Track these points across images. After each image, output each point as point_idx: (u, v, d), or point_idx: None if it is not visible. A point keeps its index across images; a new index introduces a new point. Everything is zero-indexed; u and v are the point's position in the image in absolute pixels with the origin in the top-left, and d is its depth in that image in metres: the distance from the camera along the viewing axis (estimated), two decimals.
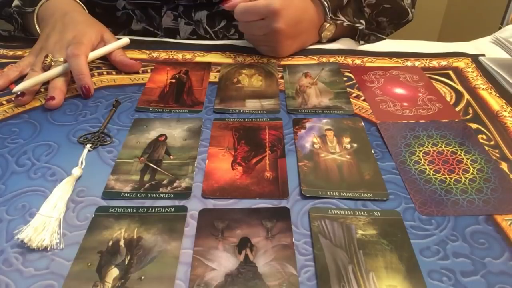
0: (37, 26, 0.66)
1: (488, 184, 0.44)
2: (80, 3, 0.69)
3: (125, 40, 0.66)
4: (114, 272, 0.35)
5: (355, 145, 0.49)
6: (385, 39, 0.73)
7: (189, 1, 0.75)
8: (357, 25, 0.70)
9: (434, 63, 0.67)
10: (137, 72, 0.64)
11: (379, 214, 0.40)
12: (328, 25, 0.69)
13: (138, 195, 0.43)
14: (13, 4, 0.67)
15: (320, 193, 0.43)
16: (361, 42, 0.73)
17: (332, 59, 0.68)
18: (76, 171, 0.45)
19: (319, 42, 0.72)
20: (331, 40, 0.73)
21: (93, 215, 0.40)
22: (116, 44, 0.65)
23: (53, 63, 0.58)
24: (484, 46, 0.73)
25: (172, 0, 0.75)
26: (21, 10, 0.67)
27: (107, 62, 0.65)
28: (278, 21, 0.61)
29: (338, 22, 0.69)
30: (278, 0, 0.60)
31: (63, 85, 0.57)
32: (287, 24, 0.62)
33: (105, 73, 0.64)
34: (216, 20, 0.77)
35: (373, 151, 0.48)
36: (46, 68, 0.58)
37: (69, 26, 0.62)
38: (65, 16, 0.63)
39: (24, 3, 0.67)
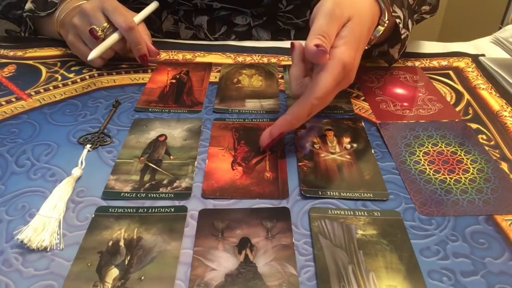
0: (58, 29, 0.67)
1: (488, 184, 0.44)
2: None
3: (156, 3, 0.70)
4: (114, 272, 0.35)
5: (355, 145, 0.49)
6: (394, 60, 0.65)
7: (189, 6, 0.75)
8: (398, 20, 0.55)
9: (434, 63, 0.67)
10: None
11: (379, 214, 0.40)
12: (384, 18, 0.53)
13: (138, 195, 0.43)
14: (26, 8, 0.67)
15: (320, 193, 0.43)
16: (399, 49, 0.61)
17: None
18: (76, 172, 0.45)
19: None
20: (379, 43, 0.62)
21: (93, 215, 0.40)
22: (149, 8, 0.68)
23: (103, 31, 0.60)
24: (484, 46, 0.73)
25: (172, 4, 0.75)
26: (34, 14, 0.67)
27: (107, 63, 0.65)
28: (351, 74, 0.47)
29: (394, 14, 0.55)
30: (346, 50, 0.45)
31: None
32: (357, 59, 0.48)
33: (105, 74, 0.64)
34: (217, 25, 0.77)
35: (373, 151, 0.48)
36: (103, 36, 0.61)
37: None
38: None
39: (37, 7, 0.67)
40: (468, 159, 0.47)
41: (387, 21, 0.52)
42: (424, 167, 0.46)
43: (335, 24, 0.45)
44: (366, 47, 0.52)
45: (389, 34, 0.59)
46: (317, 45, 0.43)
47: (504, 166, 0.46)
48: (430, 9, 0.69)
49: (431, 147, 0.49)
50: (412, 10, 0.62)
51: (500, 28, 0.78)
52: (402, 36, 0.57)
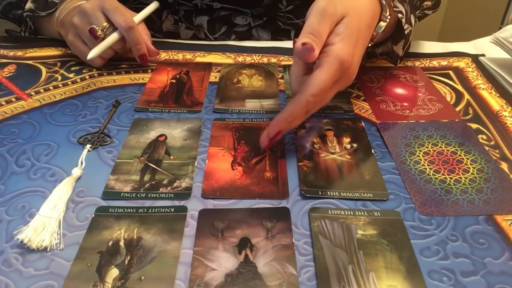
0: (58, 29, 0.67)
1: (488, 184, 0.44)
2: None
3: (156, 3, 0.70)
4: (114, 272, 0.35)
5: (355, 145, 0.49)
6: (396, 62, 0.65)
7: (189, 6, 0.75)
8: (400, 15, 0.55)
9: (434, 63, 0.67)
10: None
11: (379, 214, 0.40)
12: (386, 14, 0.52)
13: (138, 195, 0.43)
14: (26, 7, 0.67)
15: (320, 193, 0.43)
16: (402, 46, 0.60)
17: None
18: (76, 172, 0.45)
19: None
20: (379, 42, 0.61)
21: (93, 215, 0.40)
22: (149, 8, 0.69)
23: (103, 30, 0.61)
24: (484, 46, 0.73)
25: (172, 4, 0.75)
26: (35, 14, 0.67)
27: (107, 63, 0.65)
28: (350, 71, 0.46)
29: (395, 9, 0.54)
30: (342, 46, 0.44)
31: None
32: (357, 56, 0.47)
33: (105, 74, 0.64)
34: (217, 25, 0.77)
35: (373, 151, 0.48)
36: (103, 36, 0.61)
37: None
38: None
39: (38, 7, 0.67)
40: (468, 159, 0.47)
41: (388, 16, 0.52)
42: (424, 167, 0.46)
43: (327, 22, 0.44)
44: (369, 45, 0.51)
45: (392, 30, 0.59)
46: (303, 44, 0.42)
47: (504, 166, 0.46)
48: (433, 4, 0.69)
49: (431, 147, 0.49)
50: (414, 5, 0.61)
51: (500, 28, 0.78)
52: (406, 32, 0.57)
